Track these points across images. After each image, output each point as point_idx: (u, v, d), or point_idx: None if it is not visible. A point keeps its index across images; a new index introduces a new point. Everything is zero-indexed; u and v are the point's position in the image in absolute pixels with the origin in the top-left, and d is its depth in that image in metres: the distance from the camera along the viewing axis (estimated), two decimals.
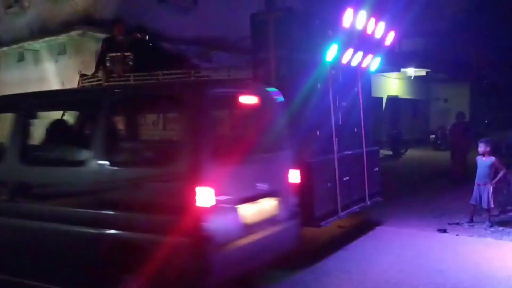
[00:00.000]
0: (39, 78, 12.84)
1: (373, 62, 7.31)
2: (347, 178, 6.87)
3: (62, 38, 12.05)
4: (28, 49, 13.44)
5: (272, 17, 5.97)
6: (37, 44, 13.09)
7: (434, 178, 12.85)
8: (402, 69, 20.57)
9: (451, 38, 22.03)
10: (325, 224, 6.21)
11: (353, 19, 6.35)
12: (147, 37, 8.39)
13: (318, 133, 6.50)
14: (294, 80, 5.95)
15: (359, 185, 7.26)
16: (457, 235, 7.17)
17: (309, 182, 5.94)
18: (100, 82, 8.11)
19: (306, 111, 6.15)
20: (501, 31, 21.12)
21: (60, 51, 12.68)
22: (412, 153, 19.29)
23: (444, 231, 7.35)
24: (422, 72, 21.41)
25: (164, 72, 7.48)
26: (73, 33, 11.57)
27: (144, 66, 7.75)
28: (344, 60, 6.57)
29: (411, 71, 21.17)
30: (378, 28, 6.95)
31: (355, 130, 7.50)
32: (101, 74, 7.99)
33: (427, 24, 21.60)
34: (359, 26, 6.51)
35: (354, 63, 6.82)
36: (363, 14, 6.49)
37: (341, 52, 6.38)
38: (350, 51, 6.53)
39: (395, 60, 18.33)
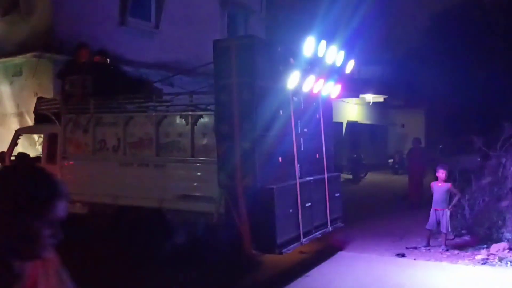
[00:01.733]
0: None
1: (333, 89, 7.46)
2: (309, 204, 6.90)
3: (18, 59, 11.70)
4: None
5: (234, 44, 6.00)
6: None
7: (392, 202, 13.04)
8: (361, 95, 21.08)
9: (406, 67, 22.87)
10: (287, 251, 6.18)
11: (315, 47, 6.48)
12: (108, 60, 8.26)
13: (280, 159, 6.53)
14: (257, 106, 5.98)
15: (320, 210, 7.30)
16: (414, 259, 7.28)
17: (271, 209, 5.94)
18: (58, 106, 7.91)
19: (268, 138, 6.18)
20: (454, 60, 22.10)
21: (15, 72, 12.27)
22: (372, 177, 19.62)
23: (403, 255, 7.47)
24: (379, 98, 22.08)
25: (125, 96, 7.40)
26: (29, 54, 11.24)
27: (104, 90, 7.64)
28: (306, 87, 6.67)
29: (370, 97, 21.76)
30: (338, 57, 7.12)
31: (317, 156, 7.58)
32: (59, 97, 7.79)
33: (384, 53, 22.51)
34: (320, 54, 6.65)
35: (315, 90, 6.93)
36: (323, 43, 6.64)
37: (303, 79, 6.48)
38: (311, 78, 6.64)
39: (354, 86, 18.80)
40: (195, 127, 6.76)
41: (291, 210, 6.42)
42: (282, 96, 6.44)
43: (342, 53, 7.17)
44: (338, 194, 7.98)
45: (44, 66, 11.10)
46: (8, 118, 11.57)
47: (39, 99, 8.68)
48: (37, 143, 8.79)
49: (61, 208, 1.46)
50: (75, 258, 7.14)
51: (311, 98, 7.20)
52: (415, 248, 7.88)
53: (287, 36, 13.19)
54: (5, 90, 12.34)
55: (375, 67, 21.60)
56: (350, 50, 7.64)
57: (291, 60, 6.34)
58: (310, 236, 6.85)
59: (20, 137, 8.54)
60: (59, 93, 7.92)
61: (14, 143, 8.45)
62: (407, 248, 7.86)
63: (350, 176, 18.71)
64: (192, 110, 6.83)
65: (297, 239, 6.50)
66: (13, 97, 11.93)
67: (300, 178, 6.70)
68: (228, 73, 5.97)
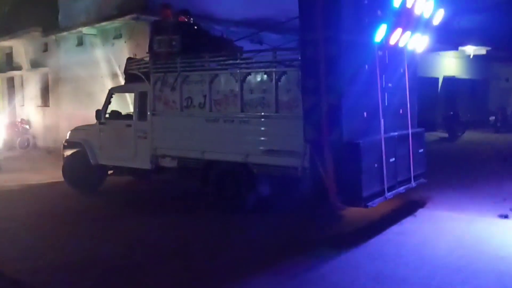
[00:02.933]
0: (97, 61, 13.49)
1: (420, 43, 7.21)
2: (393, 159, 6.88)
3: (117, 22, 12.40)
4: (86, 34, 14.10)
5: None
6: (94, 29, 13.68)
7: (493, 162, 12.12)
8: (460, 48, 19.52)
9: None
10: (372, 205, 6.27)
11: None
12: (191, 19, 8.48)
13: (365, 114, 6.52)
14: (342, 61, 5.96)
15: (404, 166, 7.25)
16: None
17: (357, 163, 6.01)
18: (147, 65, 8.31)
19: (353, 92, 6.17)
20: None
21: (116, 35, 13.16)
22: (470, 136, 18.32)
23: (506, 216, 6.94)
24: (482, 50, 20.11)
25: (210, 54, 7.62)
26: (128, 17, 11.86)
27: (190, 49, 7.90)
28: (392, 41, 6.52)
29: (470, 50, 19.96)
30: (426, 7, 6.84)
31: (401, 111, 7.47)
32: (148, 56, 8.17)
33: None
34: (408, 5, 6.43)
35: (401, 43, 6.76)
36: None
37: (389, 32, 6.33)
38: (398, 31, 6.47)
39: (452, 38, 17.42)
40: (279, 83, 6.86)
41: (376, 165, 6.46)
42: (367, 49, 6.36)
43: (431, 3, 6.88)
44: (421, 150, 7.86)
45: (141, 27, 11.70)
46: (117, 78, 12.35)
47: (129, 59, 9.15)
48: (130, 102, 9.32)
49: None
50: (169, 208, 7.82)
51: (396, 52, 7.03)
52: None
53: None
54: (107, 52, 13.29)
55: (477, 15, 19.50)
56: None
57: (378, 12, 6.18)
58: (394, 191, 6.87)
59: (112, 95, 9.11)
60: (147, 52, 8.27)
61: (108, 101, 9.04)
62: (511, 209, 7.26)
63: (446, 135, 17.90)
64: (275, 67, 6.91)
65: (381, 193, 6.55)
66: (115, 58, 12.82)
67: (384, 133, 6.67)
68: (314, 27, 5.96)
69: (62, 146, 9.89)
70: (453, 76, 21.91)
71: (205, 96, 7.60)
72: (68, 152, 9.62)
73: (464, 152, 14.64)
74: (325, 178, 6.14)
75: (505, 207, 7.41)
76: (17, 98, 19.10)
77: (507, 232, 6.32)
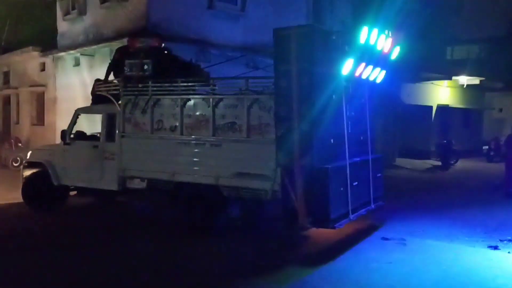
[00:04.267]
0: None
1: (379, 75, 7.82)
2: (356, 183, 7.36)
3: (115, 44, 12.36)
4: (84, 55, 14.15)
5: (294, 32, 6.38)
6: (91, 50, 13.72)
7: (486, 191, 12.13)
8: (454, 77, 19.81)
9: (507, 44, 20.77)
10: (339, 226, 6.68)
11: (368, 36, 6.84)
12: (163, 44, 8.70)
13: (331, 140, 6.98)
14: (314, 91, 6.39)
15: (365, 189, 7.75)
16: (509, 252, 6.76)
17: (326, 187, 6.42)
18: (117, 87, 8.41)
19: (323, 120, 6.61)
20: None
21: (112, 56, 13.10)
22: (463, 164, 18.43)
23: (496, 247, 6.93)
24: (475, 80, 20.13)
25: (182, 79, 7.84)
26: (125, 39, 11.86)
27: (160, 73, 8.10)
28: (357, 73, 7.06)
29: (464, 80, 19.96)
30: (386, 44, 7.46)
31: (361, 138, 8.01)
32: (119, 80, 8.28)
33: (481, 31, 20.48)
34: (371, 42, 7.01)
35: (364, 75, 7.32)
36: (375, 31, 7.00)
37: (355, 66, 6.87)
38: (362, 65, 7.02)
39: (446, 67, 17.57)
40: (250, 109, 7.18)
41: (341, 188, 6.89)
42: (335, 81, 6.86)
43: (390, 40, 7.51)
44: (379, 175, 8.41)
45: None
46: None
47: (97, 81, 9.19)
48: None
49: None
50: (136, 228, 7.82)
51: (359, 83, 7.59)
52: (511, 240, 7.30)
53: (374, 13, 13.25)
54: (103, 73, 13.14)
55: (470, 46, 19.83)
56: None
57: (346, 47, 6.71)
58: (357, 213, 7.32)
59: (78, 116, 9.08)
60: (119, 76, 8.38)
61: (73, 122, 9.01)
62: (501, 240, 7.27)
63: (439, 163, 18.07)
64: (248, 94, 7.24)
65: (346, 215, 6.98)
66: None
67: (348, 158, 7.15)
68: (288, 59, 6.38)
69: (21, 166, 9.68)
70: (447, 105, 21.96)
71: (176, 120, 7.79)
72: (28, 172, 9.44)
73: (456, 180, 14.70)
74: (295, 201, 6.49)
75: (495, 237, 7.42)
76: (12, 116, 19.07)
77: (496, 263, 6.26)
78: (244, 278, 5.64)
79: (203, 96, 7.62)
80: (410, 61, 15.94)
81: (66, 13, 15.67)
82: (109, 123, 8.56)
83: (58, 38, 15.83)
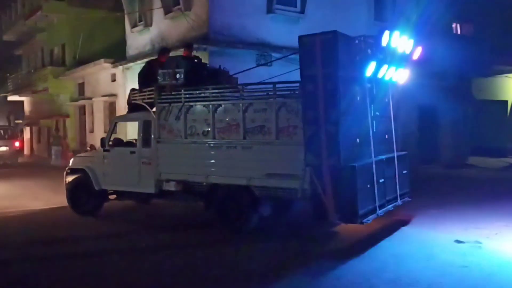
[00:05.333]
0: None
1: (402, 76, 8.10)
2: (382, 180, 7.66)
3: (180, 52, 13.06)
4: None
5: (319, 39, 6.74)
6: None
7: None
8: None
9: None
10: (367, 221, 7.00)
11: (389, 39, 7.15)
12: (193, 53, 9.17)
13: (357, 140, 7.30)
14: (339, 94, 6.73)
15: (391, 186, 8.04)
16: None
17: (353, 184, 6.75)
18: (151, 96, 8.91)
19: (348, 121, 6.95)
20: None
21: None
22: None
23: None
24: None
25: (213, 86, 8.28)
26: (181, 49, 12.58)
27: (192, 81, 8.56)
28: (379, 75, 7.37)
29: None
30: (407, 45, 7.74)
31: (386, 136, 8.30)
32: (153, 89, 8.78)
33: None
34: (393, 44, 7.31)
35: (387, 77, 7.62)
36: (397, 33, 7.30)
37: (378, 68, 7.18)
38: (385, 67, 7.33)
39: None
40: (279, 113, 7.55)
41: (368, 185, 7.21)
42: (359, 83, 7.19)
43: (411, 41, 7.78)
44: (405, 171, 8.67)
45: (202, 56, 12.22)
46: None
47: (132, 90, 9.72)
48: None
49: None
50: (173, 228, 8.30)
51: (382, 84, 7.89)
52: None
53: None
54: None
55: None
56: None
57: (368, 51, 7.03)
58: (384, 209, 7.62)
59: (116, 124, 9.64)
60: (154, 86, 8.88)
61: (112, 130, 9.57)
62: None
63: None
64: (276, 98, 7.62)
65: (374, 211, 7.30)
66: None
67: (374, 156, 7.46)
68: (314, 65, 6.74)
69: (64, 173, 10.29)
70: None
71: (208, 125, 8.22)
72: (70, 179, 10.04)
73: None
74: (324, 198, 6.84)
75: None
76: (88, 125, 20.64)
77: None
78: (277, 274, 5.98)
79: (233, 102, 8.03)
80: (480, 54, 15.59)
81: (134, 25, 16.88)
82: (145, 130, 9.06)
83: (127, 49, 16.95)
